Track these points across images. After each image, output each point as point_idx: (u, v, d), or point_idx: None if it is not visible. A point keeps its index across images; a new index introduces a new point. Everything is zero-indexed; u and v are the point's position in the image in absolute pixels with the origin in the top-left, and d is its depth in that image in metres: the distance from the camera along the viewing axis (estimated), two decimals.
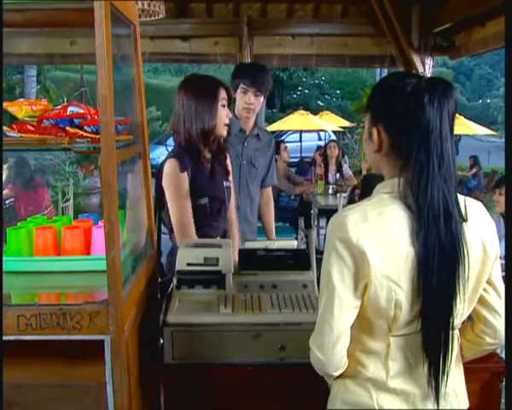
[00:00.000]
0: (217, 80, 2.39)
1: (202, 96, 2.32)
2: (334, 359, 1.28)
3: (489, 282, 1.33)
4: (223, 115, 2.34)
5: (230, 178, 2.54)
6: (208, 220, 2.38)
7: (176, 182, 2.27)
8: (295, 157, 9.91)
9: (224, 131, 2.38)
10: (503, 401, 1.95)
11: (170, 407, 1.76)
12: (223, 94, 2.34)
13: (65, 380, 1.81)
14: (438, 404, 1.30)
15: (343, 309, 1.24)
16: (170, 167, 2.29)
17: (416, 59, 6.40)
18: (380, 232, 1.22)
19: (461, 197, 1.28)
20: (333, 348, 1.26)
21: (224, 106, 2.34)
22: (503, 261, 3.56)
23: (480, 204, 1.35)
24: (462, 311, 1.28)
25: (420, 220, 1.21)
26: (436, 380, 1.27)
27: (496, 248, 1.31)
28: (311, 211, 6.59)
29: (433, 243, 1.20)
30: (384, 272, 1.21)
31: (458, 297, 1.24)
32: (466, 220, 1.25)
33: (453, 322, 1.26)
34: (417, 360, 1.29)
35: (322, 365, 1.30)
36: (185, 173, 2.29)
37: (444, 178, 1.22)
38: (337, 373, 1.32)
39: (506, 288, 1.31)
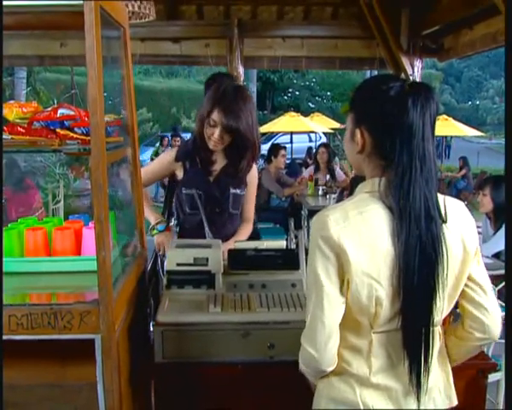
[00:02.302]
0: (217, 100, 2.34)
1: (203, 106, 2.38)
2: (327, 355, 1.30)
3: (471, 279, 1.36)
4: (208, 134, 2.38)
5: (247, 187, 2.59)
6: (200, 214, 2.47)
7: (161, 159, 2.66)
8: (286, 158, 9.92)
9: (209, 146, 2.41)
10: (488, 397, 1.99)
11: (160, 406, 1.77)
12: (215, 116, 2.33)
13: (58, 380, 1.82)
14: (419, 400, 1.32)
15: (332, 305, 1.27)
16: (166, 153, 2.69)
17: (405, 61, 6.46)
18: (360, 231, 1.25)
19: (440, 197, 1.31)
20: (326, 345, 1.29)
21: (212, 126, 2.34)
22: (490, 260, 3.58)
23: (460, 203, 1.38)
24: (442, 308, 1.31)
25: (402, 221, 1.24)
26: (417, 377, 1.29)
27: (475, 245, 1.34)
28: (302, 212, 6.62)
29: (414, 243, 1.23)
30: (364, 269, 1.24)
31: (438, 295, 1.27)
32: (446, 222, 1.28)
33: (433, 319, 1.29)
34: (399, 357, 1.31)
35: (315, 361, 1.31)
36: (179, 164, 2.52)
37: (425, 180, 1.25)
38: (330, 369, 1.34)
39: (506, 287, 1.34)
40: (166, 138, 12.18)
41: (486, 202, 3.90)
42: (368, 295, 1.25)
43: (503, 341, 2.87)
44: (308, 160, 11.18)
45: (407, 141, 1.24)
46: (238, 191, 2.55)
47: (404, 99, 1.24)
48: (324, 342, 1.29)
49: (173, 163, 2.53)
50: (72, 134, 1.62)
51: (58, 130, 1.63)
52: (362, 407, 1.32)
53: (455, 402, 1.43)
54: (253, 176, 2.63)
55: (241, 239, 2.52)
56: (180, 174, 2.52)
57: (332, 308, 1.27)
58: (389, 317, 1.28)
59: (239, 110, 2.33)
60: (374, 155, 1.32)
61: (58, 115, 1.66)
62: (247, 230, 2.65)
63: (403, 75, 6.59)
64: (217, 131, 2.34)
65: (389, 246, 1.25)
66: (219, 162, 2.50)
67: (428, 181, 1.25)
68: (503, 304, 2.81)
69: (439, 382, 1.40)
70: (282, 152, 6.77)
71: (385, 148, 1.28)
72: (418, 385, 1.30)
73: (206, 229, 2.45)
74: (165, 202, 2.81)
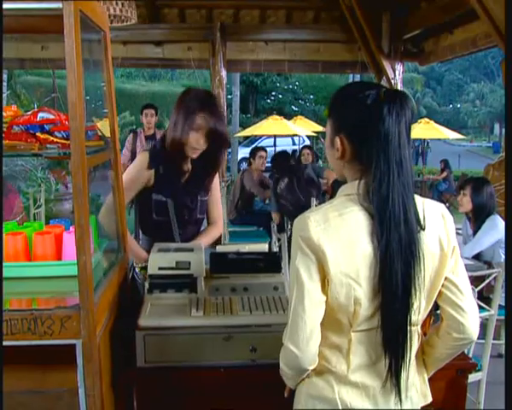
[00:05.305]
0: (200, 106, 2.34)
1: (181, 112, 2.36)
2: (310, 353, 1.32)
3: (448, 280, 1.38)
4: (191, 140, 2.35)
5: (211, 194, 2.62)
6: (166, 219, 2.45)
7: (132, 172, 2.42)
8: (269, 161, 9.92)
9: (190, 153, 2.40)
10: (468, 395, 2.01)
11: None
12: (198, 121, 2.32)
13: (39, 386, 1.80)
14: (400, 398, 1.34)
15: (313, 303, 1.29)
16: (139, 160, 2.47)
17: (387, 65, 6.53)
18: (339, 232, 1.28)
19: (419, 200, 1.34)
20: (308, 343, 1.31)
21: (196, 131, 2.33)
22: (470, 262, 3.62)
23: (439, 205, 1.40)
24: (419, 308, 1.34)
25: (382, 225, 1.26)
26: (396, 375, 1.32)
27: (452, 246, 1.36)
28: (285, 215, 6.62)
29: (395, 246, 1.26)
30: (343, 269, 1.27)
31: (414, 296, 1.30)
32: (424, 227, 1.30)
33: (411, 318, 1.31)
34: (378, 355, 1.34)
35: (297, 359, 1.33)
36: (151, 171, 2.43)
37: (403, 185, 1.28)
38: (311, 367, 1.36)
39: (506, 287, 1.35)
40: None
41: (466, 201, 3.95)
42: (346, 295, 1.28)
43: (483, 341, 2.91)
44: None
45: (384, 148, 1.27)
46: (204, 198, 2.59)
47: (379, 107, 1.27)
48: (306, 340, 1.31)
49: (147, 170, 2.44)
50: (52, 138, 1.61)
51: (38, 134, 1.62)
52: (339, 405, 1.34)
53: (429, 399, 1.46)
54: (215, 181, 2.66)
55: (208, 239, 2.56)
56: (151, 181, 2.47)
57: (313, 306, 1.30)
58: (368, 316, 1.31)
59: (221, 113, 2.38)
60: (353, 161, 1.35)
61: (38, 119, 1.65)
62: (215, 231, 2.66)
63: (384, 79, 6.67)
64: (200, 136, 2.34)
65: (368, 247, 1.27)
66: (189, 171, 2.51)
67: (405, 186, 1.28)
68: (484, 305, 2.86)
69: (417, 381, 1.43)
70: (259, 154, 6.78)
71: (363, 154, 1.31)
72: (397, 383, 1.33)
73: (176, 234, 2.45)
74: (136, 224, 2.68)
